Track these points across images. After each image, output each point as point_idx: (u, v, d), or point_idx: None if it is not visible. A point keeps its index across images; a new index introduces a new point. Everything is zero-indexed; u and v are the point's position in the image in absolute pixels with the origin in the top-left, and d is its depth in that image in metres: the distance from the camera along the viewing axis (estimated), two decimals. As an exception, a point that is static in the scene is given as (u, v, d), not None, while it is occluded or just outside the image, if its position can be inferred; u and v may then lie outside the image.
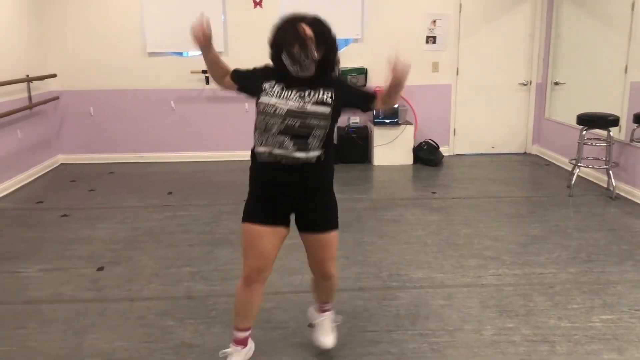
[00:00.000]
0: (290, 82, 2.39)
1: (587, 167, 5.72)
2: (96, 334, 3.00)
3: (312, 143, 2.36)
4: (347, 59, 6.70)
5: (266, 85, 2.41)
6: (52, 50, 6.75)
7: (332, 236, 2.54)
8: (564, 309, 3.21)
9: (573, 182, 5.53)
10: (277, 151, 2.36)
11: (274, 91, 2.38)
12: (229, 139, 7.15)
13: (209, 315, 3.20)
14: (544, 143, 7.23)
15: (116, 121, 7.02)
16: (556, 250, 4.11)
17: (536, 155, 7.30)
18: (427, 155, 6.84)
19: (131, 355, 2.81)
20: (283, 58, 2.37)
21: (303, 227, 2.55)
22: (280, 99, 2.35)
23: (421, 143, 7.00)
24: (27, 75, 6.16)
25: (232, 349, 2.60)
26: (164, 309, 3.27)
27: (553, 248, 4.14)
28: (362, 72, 6.81)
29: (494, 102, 7.26)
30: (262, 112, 2.37)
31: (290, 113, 2.33)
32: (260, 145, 2.41)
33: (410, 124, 6.87)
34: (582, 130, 5.51)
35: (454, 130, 7.35)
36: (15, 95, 5.96)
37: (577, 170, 5.58)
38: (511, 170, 6.57)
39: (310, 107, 2.34)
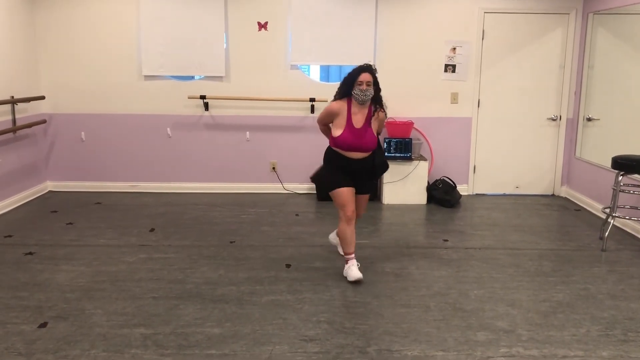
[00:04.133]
0: None
1: (624, 217, 5.00)
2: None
3: None
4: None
5: None
6: (43, 71, 6.35)
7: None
8: (592, 413, 2.54)
9: (607, 233, 4.82)
10: None
11: None
12: (228, 169, 6.63)
13: (147, 399, 2.62)
14: (574, 185, 6.51)
15: (109, 147, 6.57)
16: (584, 323, 3.42)
17: (565, 199, 6.57)
18: (442, 195, 6.19)
19: None
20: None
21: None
22: None
23: (436, 181, 6.36)
24: (12, 97, 5.76)
25: (348, 264, 4.02)
26: (97, 386, 2.70)
27: (581, 320, 3.45)
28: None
29: (519, 138, 6.60)
30: None
31: None
32: None
33: (425, 159, 6.25)
34: (617, 175, 4.81)
35: (474, 167, 6.69)
36: (-3, 117, 5.56)
37: (612, 220, 4.87)
38: (536, 216, 5.87)
39: None
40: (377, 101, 4.02)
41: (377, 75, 3.97)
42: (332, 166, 4.07)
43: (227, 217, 5.64)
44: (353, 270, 3.97)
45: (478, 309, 3.59)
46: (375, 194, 6.19)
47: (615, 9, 5.65)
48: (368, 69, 3.92)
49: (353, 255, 4.04)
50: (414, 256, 4.57)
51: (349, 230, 3.98)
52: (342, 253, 4.21)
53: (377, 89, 3.98)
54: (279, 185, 6.67)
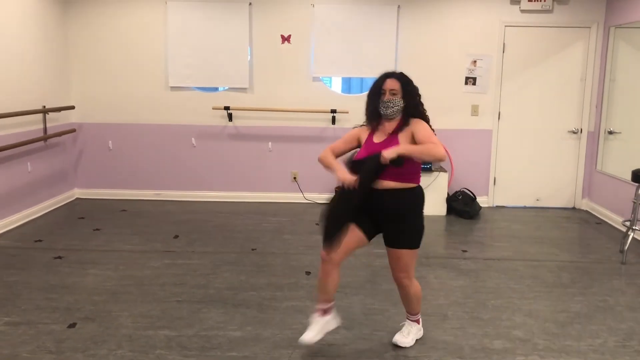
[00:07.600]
0: None
1: (644, 230, 4.99)
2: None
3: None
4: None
5: None
6: (73, 81, 6.58)
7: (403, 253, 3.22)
8: (607, 421, 2.57)
9: (627, 246, 4.81)
10: None
11: None
12: (251, 179, 6.75)
13: (171, 397, 2.72)
14: (595, 198, 6.49)
15: (135, 156, 6.75)
16: (602, 334, 3.43)
17: (586, 212, 6.56)
18: (462, 206, 6.23)
19: None
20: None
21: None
22: None
23: (456, 192, 6.40)
24: (44, 106, 5.97)
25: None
26: (123, 384, 2.81)
27: (598, 331, 3.47)
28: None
29: (540, 151, 6.61)
30: None
31: None
32: None
33: (445, 171, 6.30)
34: (638, 189, 4.81)
35: (494, 179, 6.72)
36: (30, 126, 5.76)
37: (632, 233, 4.87)
38: (556, 228, 5.87)
39: None
40: (409, 115, 3.12)
41: (410, 84, 3.17)
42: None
43: (249, 225, 5.75)
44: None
45: (495, 318, 3.63)
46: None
47: (637, 22, 5.66)
48: (394, 74, 3.13)
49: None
50: (432, 266, 4.62)
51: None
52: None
53: (410, 99, 3.14)
54: (300, 195, 6.77)
